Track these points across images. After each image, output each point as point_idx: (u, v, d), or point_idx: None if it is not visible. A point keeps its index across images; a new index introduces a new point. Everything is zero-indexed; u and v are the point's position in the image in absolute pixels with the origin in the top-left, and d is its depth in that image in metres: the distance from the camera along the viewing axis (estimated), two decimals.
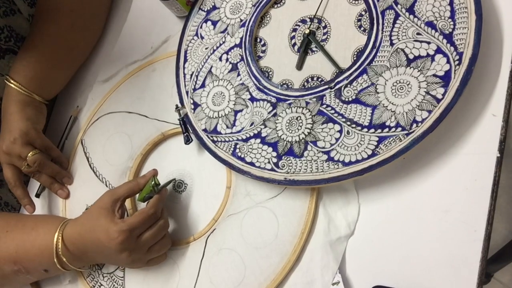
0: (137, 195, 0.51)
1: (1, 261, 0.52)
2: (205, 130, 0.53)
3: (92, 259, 0.52)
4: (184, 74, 0.57)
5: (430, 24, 0.43)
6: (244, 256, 0.48)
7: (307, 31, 0.51)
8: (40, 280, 0.60)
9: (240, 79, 0.53)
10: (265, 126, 0.49)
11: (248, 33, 0.54)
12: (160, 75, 0.62)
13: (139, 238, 0.47)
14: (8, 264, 0.51)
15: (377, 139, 0.42)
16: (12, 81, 0.59)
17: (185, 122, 0.55)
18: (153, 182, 0.50)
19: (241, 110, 0.51)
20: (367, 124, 0.43)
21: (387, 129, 0.42)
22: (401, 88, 0.43)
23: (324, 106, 0.46)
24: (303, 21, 0.53)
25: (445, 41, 0.42)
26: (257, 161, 0.47)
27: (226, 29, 0.56)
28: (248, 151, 0.48)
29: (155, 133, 0.59)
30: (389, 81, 0.44)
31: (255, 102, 0.50)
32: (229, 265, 0.48)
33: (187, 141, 0.54)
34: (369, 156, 0.42)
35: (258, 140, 0.48)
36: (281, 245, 0.46)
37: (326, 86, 0.47)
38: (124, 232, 0.46)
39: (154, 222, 0.49)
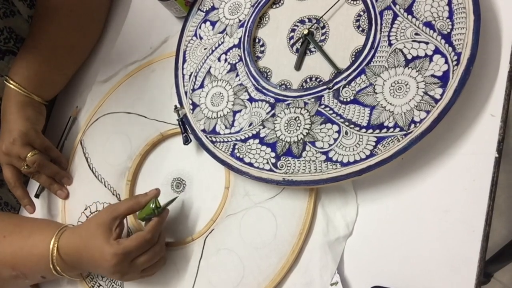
0: (138, 212, 0.51)
1: (0, 266, 0.52)
2: (203, 130, 0.53)
3: (86, 271, 0.53)
4: (183, 75, 0.57)
5: (429, 25, 0.43)
6: (242, 256, 0.48)
7: (305, 32, 0.51)
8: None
9: (239, 80, 0.53)
10: (264, 127, 0.49)
11: (246, 34, 0.54)
12: (159, 76, 0.62)
13: (133, 261, 0.47)
14: (6, 269, 0.52)
15: (375, 139, 0.42)
16: (11, 82, 0.59)
17: (184, 122, 0.55)
18: (153, 205, 0.48)
19: (239, 111, 0.51)
20: (365, 124, 0.43)
21: (385, 130, 0.42)
22: (399, 89, 0.43)
23: (323, 106, 0.46)
24: (301, 21, 0.53)
25: (443, 41, 0.42)
26: (256, 161, 0.47)
27: (225, 29, 0.57)
28: (247, 152, 0.48)
29: (154, 134, 0.59)
30: (387, 82, 0.44)
31: (253, 103, 0.50)
32: (228, 266, 0.48)
33: (186, 141, 0.54)
34: (368, 157, 0.42)
35: (257, 141, 0.48)
36: (280, 245, 0.46)
37: (325, 87, 0.47)
38: (118, 256, 0.45)
39: (150, 247, 0.48)
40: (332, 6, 0.50)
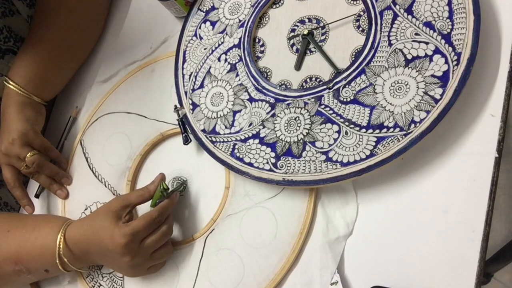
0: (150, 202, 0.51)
1: (3, 261, 0.52)
2: (203, 130, 0.53)
3: (93, 261, 0.52)
4: (183, 75, 0.57)
5: (428, 25, 0.43)
6: (243, 256, 0.48)
7: (305, 32, 0.51)
8: (40, 281, 0.60)
9: (239, 80, 0.53)
10: (264, 127, 0.49)
11: (246, 34, 0.54)
12: (159, 76, 0.62)
13: (142, 242, 0.47)
14: (9, 264, 0.52)
15: (375, 139, 0.42)
16: (11, 82, 0.59)
17: (184, 122, 0.55)
18: (162, 188, 0.50)
19: (239, 111, 0.51)
20: (365, 124, 0.43)
21: (385, 130, 0.42)
22: (399, 89, 0.43)
23: (323, 106, 0.46)
24: (301, 21, 0.53)
25: (443, 41, 0.42)
26: (256, 161, 0.47)
27: (225, 29, 0.56)
28: (247, 152, 0.48)
29: (154, 134, 0.59)
30: (387, 82, 0.44)
31: (253, 103, 0.50)
32: (228, 265, 0.48)
33: (186, 141, 0.54)
34: (368, 157, 0.42)
35: (257, 141, 0.48)
36: (280, 245, 0.46)
37: (325, 87, 0.47)
38: (127, 236, 0.46)
39: (158, 226, 0.48)
40: (341, 19, 0.49)
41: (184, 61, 0.58)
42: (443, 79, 0.41)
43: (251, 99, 0.51)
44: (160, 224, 0.49)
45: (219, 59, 0.55)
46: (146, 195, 0.50)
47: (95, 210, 0.52)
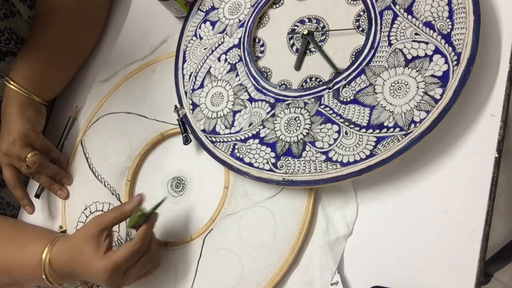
0: (128, 220, 0.48)
1: None
2: (203, 130, 0.53)
3: (81, 280, 0.53)
4: (183, 75, 0.57)
5: (428, 24, 0.43)
6: (241, 256, 0.48)
7: (305, 32, 0.51)
8: None
9: (239, 80, 0.53)
10: (264, 127, 0.49)
11: (246, 34, 0.54)
12: (159, 76, 0.62)
13: (126, 273, 0.46)
14: (2, 276, 0.53)
15: (375, 139, 0.42)
16: (12, 83, 0.59)
17: (184, 122, 0.55)
18: (138, 213, 0.47)
19: (239, 111, 0.51)
20: (365, 124, 0.43)
21: (385, 130, 0.42)
22: (399, 89, 0.43)
23: (323, 106, 0.46)
24: (301, 21, 0.53)
25: (443, 41, 0.42)
26: (256, 161, 0.47)
27: (225, 29, 0.57)
28: (247, 152, 0.48)
29: (154, 134, 0.59)
30: (387, 82, 0.44)
31: (253, 103, 0.50)
32: (227, 265, 0.48)
33: (186, 141, 0.54)
34: (367, 157, 0.42)
35: (257, 141, 0.48)
36: (279, 245, 0.46)
37: (325, 87, 0.47)
38: (108, 271, 0.45)
39: (141, 256, 0.47)
40: (342, 30, 0.49)
41: (184, 61, 0.58)
42: (443, 79, 0.41)
43: (251, 99, 0.51)
44: (144, 253, 0.47)
45: (219, 59, 0.55)
46: (121, 217, 0.48)
47: (73, 235, 0.50)
